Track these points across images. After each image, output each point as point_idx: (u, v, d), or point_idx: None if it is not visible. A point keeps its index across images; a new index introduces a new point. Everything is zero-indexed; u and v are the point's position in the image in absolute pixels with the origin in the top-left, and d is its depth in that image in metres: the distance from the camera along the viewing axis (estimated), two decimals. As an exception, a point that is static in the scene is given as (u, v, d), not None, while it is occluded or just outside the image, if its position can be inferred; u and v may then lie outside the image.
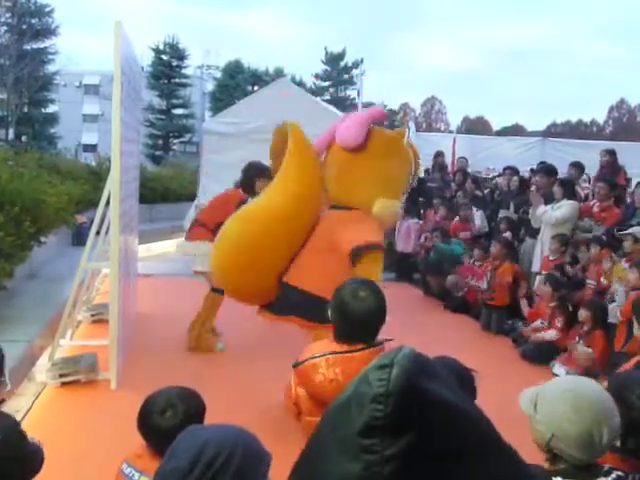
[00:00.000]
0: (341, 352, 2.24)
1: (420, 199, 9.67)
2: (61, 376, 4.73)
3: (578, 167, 8.32)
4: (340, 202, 4.23)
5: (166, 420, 2.10)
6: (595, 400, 1.72)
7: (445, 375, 0.79)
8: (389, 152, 4.19)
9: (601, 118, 60.51)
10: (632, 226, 5.92)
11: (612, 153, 8.42)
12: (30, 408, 4.36)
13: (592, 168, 8.95)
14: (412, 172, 4.40)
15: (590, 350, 5.34)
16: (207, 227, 5.68)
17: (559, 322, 5.91)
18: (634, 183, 7.58)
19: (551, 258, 6.74)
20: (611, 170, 8.23)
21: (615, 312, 5.24)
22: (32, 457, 2.15)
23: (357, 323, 2.28)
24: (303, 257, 4.13)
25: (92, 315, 6.47)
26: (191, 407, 2.15)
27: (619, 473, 1.75)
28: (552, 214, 6.77)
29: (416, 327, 5.54)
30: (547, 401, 1.76)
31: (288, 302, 4.26)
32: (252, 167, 5.87)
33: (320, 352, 2.29)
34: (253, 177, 5.74)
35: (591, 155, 9.61)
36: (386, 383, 0.72)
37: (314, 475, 0.78)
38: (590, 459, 1.72)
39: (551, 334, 5.92)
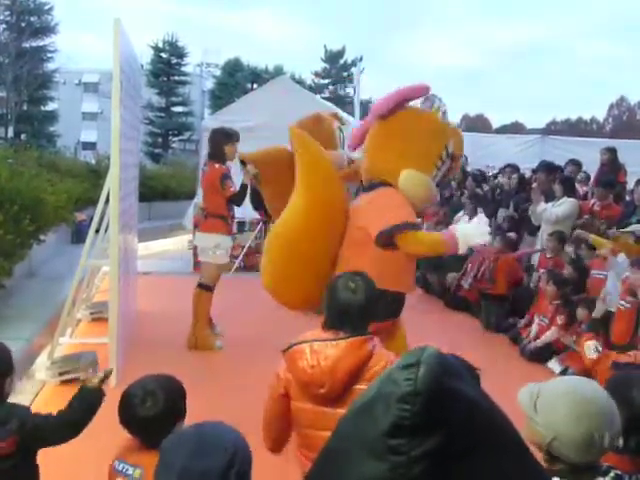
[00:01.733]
0: (325, 339, 2.27)
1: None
2: (60, 374, 4.73)
3: (576, 164, 8.32)
4: (372, 176, 4.18)
5: (147, 409, 2.05)
6: (597, 404, 1.71)
7: (467, 374, 0.79)
8: (415, 124, 4.10)
9: (601, 116, 60.53)
10: (631, 224, 5.92)
11: (613, 151, 8.42)
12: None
13: (592, 166, 8.94)
14: (447, 154, 4.14)
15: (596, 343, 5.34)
16: (214, 215, 5.71)
17: (560, 320, 5.91)
18: (634, 181, 7.57)
19: (548, 255, 6.75)
20: (611, 168, 8.23)
21: (614, 301, 5.22)
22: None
23: (343, 312, 2.33)
24: (343, 251, 4.09)
25: (92, 313, 6.47)
26: (171, 394, 2.11)
27: (617, 472, 1.74)
28: (552, 211, 6.76)
29: (416, 325, 5.50)
30: (548, 403, 1.75)
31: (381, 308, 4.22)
32: (217, 133, 5.78)
33: (308, 339, 2.32)
34: (221, 143, 5.69)
35: (591, 153, 9.59)
36: (414, 382, 0.72)
37: (335, 476, 0.77)
38: (590, 461, 1.72)
39: (552, 333, 5.92)
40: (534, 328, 6.18)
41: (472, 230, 3.97)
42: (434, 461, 0.71)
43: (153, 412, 2.04)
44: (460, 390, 0.74)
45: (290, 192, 4.31)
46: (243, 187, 5.52)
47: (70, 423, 2.39)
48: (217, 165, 5.67)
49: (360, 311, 2.34)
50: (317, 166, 4.00)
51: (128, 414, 2.09)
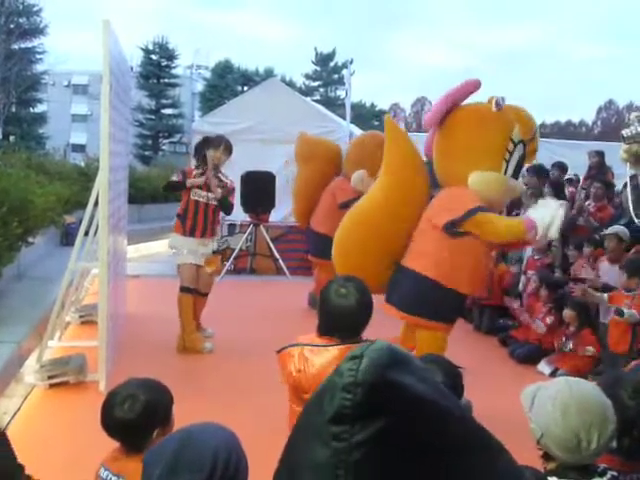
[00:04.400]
0: (317, 345, 2.27)
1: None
2: (49, 377, 4.70)
3: (560, 167, 8.38)
4: (443, 185, 4.24)
5: (125, 412, 1.99)
6: (586, 403, 1.72)
7: (423, 370, 0.80)
8: (472, 124, 4.02)
9: (590, 119, 60.99)
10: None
11: (601, 154, 8.51)
12: (18, 410, 4.33)
13: (581, 168, 9.01)
14: (514, 144, 4.02)
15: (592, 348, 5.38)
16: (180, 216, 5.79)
17: (549, 320, 5.95)
18: (621, 183, 7.63)
19: (536, 257, 6.78)
20: (599, 171, 8.30)
21: (609, 312, 5.24)
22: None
23: (335, 318, 2.33)
24: (412, 240, 4.13)
25: (81, 316, 6.44)
26: (153, 398, 2.04)
27: (614, 473, 1.75)
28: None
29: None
30: (540, 400, 1.79)
31: (398, 286, 4.18)
32: (203, 141, 5.87)
33: (301, 343, 2.32)
34: (203, 149, 5.74)
35: (580, 155, 9.66)
36: (355, 373, 0.75)
37: (293, 463, 0.82)
38: (578, 461, 1.73)
39: (539, 325, 5.98)
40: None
41: (548, 215, 3.83)
42: (376, 449, 0.75)
43: (130, 415, 1.98)
44: (405, 384, 0.77)
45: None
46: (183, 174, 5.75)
47: None
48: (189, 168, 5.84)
49: (351, 317, 2.33)
50: (399, 150, 4.09)
51: (106, 415, 2.04)
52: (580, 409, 1.71)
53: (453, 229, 3.88)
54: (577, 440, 1.68)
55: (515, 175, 4.13)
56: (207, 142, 5.77)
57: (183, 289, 5.73)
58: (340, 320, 2.32)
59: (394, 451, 0.76)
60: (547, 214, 3.87)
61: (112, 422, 2.01)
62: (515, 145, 3.99)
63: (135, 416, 1.98)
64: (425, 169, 4.19)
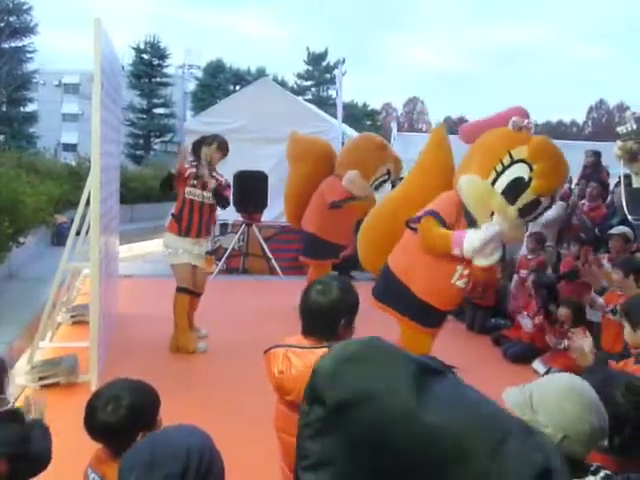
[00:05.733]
0: (302, 347, 2.25)
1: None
2: (40, 379, 4.67)
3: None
4: None
5: (108, 415, 1.92)
6: (592, 396, 1.78)
7: (380, 368, 1.02)
8: (486, 136, 4.09)
9: (581, 119, 61.29)
10: (612, 226, 5.97)
11: (597, 154, 8.52)
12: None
13: (574, 169, 9.01)
14: (511, 159, 3.85)
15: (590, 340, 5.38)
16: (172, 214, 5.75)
17: (538, 319, 5.97)
18: (613, 182, 7.66)
19: (529, 257, 6.80)
20: (594, 170, 8.33)
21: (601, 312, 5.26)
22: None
23: (313, 316, 2.30)
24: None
25: (72, 316, 6.40)
26: (138, 401, 1.96)
27: (607, 472, 1.75)
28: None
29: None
30: (552, 402, 1.75)
31: (383, 285, 4.38)
32: (199, 139, 5.84)
33: (287, 343, 2.31)
34: (198, 147, 5.70)
35: (571, 155, 9.65)
36: (319, 363, 1.04)
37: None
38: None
39: (526, 323, 5.99)
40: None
41: (478, 240, 3.81)
42: (318, 431, 0.94)
43: (113, 418, 1.92)
44: (349, 376, 0.92)
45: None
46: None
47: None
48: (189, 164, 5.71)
49: (331, 313, 2.28)
50: (436, 151, 4.42)
51: (89, 416, 1.98)
52: (590, 400, 1.75)
53: (410, 224, 3.99)
54: (601, 429, 1.74)
55: (509, 196, 3.80)
56: (202, 140, 5.75)
57: (180, 289, 5.71)
58: (319, 318, 2.28)
59: (335, 438, 0.97)
60: (477, 239, 3.81)
61: (95, 425, 1.95)
62: (512, 161, 3.78)
63: (118, 419, 1.91)
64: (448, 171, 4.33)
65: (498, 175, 3.79)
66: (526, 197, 3.79)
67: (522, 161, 3.75)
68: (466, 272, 4.00)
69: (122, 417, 1.91)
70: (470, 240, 3.82)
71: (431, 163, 4.41)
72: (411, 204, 4.18)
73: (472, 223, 3.93)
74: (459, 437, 0.97)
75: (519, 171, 3.76)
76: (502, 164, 3.77)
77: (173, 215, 5.73)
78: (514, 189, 3.76)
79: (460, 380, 1.19)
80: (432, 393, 1.04)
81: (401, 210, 4.27)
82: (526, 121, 3.83)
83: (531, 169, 3.75)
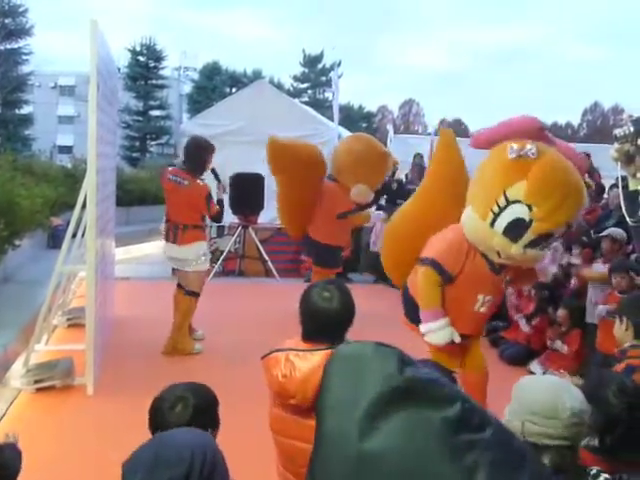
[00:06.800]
0: (302, 350, 2.25)
1: (399, 202, 9.68)
2: (36, 382, 4.66)
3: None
4: None
5: (176, 415, 1.96)
6: (549, 379, 1.91)
7: (366, 368, 1.27)
8: (487, 163, 3.85)
9: (575, 121, 61.45)
10: (606, 228, 5.98)
11: (587, 156, 8.55)
12: (4, 415, 4.29)
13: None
14: (506, 200, 3.52)
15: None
16: (194, 227, 5.71)
17: (535, 321, 5.98)
18: (607, 185, 7.68)
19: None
20: (585, 172, 8.35)
21: (600, 312, 5.26)
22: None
23: (319, 322, 2.31)
24: None
25: (68, 319, 6.39)
26: (202, 400, 2.04)
27: (606, 476, 1.76)
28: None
29: (394, 330, 5.53)
30: (516, 396, 1.82)
31: (405, 308, 4.31)
32: (199, 145, 5.74)
33: (287, 347, 2.31)
34: (203, 156, 5.68)
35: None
36: None
37: None
38: (561, 431, 1.72)
39: (523, 324, 6.02)
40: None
41: (435, 332, 3.85)
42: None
43: (182, 418, 1.95)
44: (330, 374, 1.12)
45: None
46: (221, 204, 5.73)
47: None
48: (201, 183, 5.62)
49: (337, 320, 2.32)
50: (448, 156, 4.32)
51: (156, 419, 2.00)
52: (546, 380, 1.89)
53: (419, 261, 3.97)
54: (555, 404, 1.71)
55: (512, 234, 3.48)
56: (209, 147, 5.72)
57: (194, 293, 5.78)
58: (325, 324, 2.30)
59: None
60: (437, 338, 3.87)
61: (164, 427, 1.95)
62: (508, 202, 3.44)
63: (187, 419, 1.95)
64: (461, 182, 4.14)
65: (496, 216, 3.50)
66: (529, 236, 3.47)
67: (518, 202, 3.41)
68: (488, 298, 3.89)
69: (190, 417, 1.95)
70: (427, 327, 3.88)
71: (442, 174, 4.28)
72: (428, 225, 4.04)
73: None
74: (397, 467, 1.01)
75: (518, 212, 3.42)
76: (498, 206, 3.47)
77: (201, 227, 5.80)
78: (515, 229, 3.46)
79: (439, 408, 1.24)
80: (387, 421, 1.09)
81: (417, 230, 4.16)
82: (527, 147, 3.41)
83: (531, 209, 3.39)
